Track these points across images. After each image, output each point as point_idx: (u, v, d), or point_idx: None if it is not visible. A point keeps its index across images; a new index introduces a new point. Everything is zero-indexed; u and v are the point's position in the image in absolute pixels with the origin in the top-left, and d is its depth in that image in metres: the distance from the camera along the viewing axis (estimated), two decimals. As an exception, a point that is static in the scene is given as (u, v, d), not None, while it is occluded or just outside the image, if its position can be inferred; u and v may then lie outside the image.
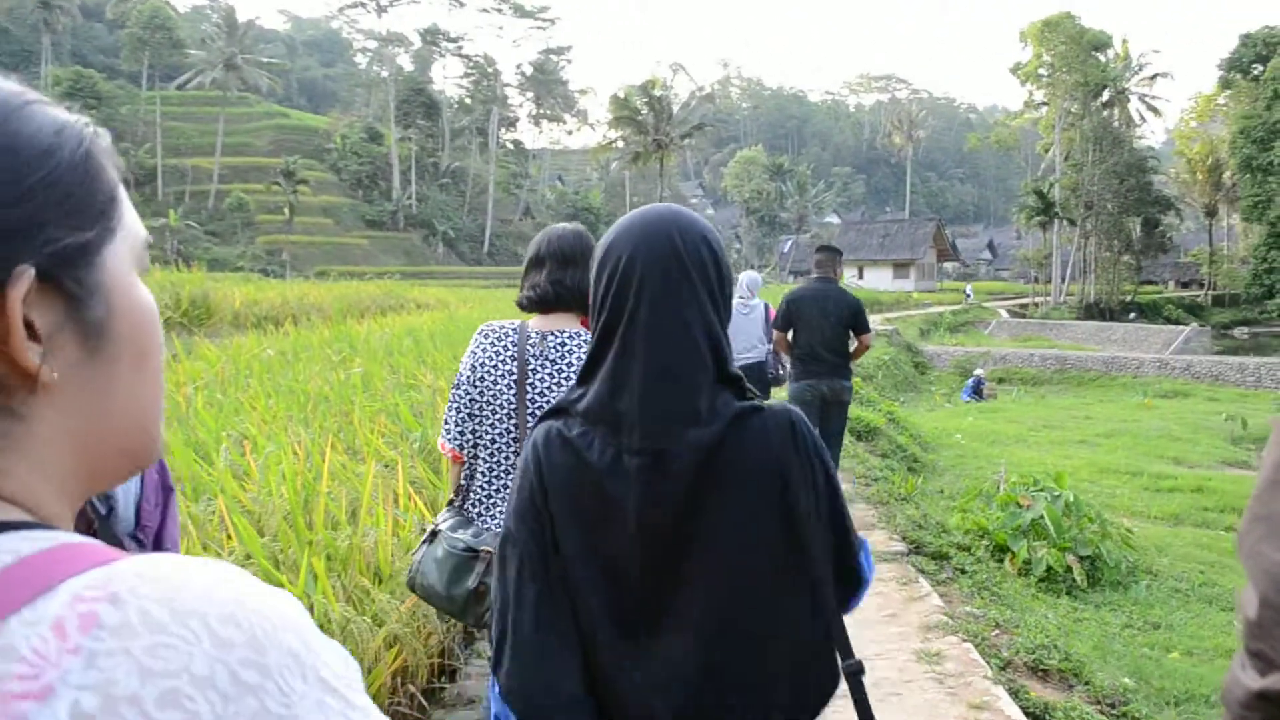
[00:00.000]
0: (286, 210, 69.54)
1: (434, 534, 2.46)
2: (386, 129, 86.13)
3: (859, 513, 6.82)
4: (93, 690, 0.47)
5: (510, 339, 2.51)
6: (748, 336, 7.44)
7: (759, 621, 1.39)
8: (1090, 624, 7.17)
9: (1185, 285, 74.38)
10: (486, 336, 2.55)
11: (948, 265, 78.06)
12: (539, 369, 2.46)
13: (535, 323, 2.56)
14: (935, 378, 27.20)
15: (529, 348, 2.48)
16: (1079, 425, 17.20)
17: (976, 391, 22.55)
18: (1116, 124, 60.03)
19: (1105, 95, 60.31)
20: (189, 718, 0.47)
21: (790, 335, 7.13)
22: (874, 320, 33.92)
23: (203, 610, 0.51)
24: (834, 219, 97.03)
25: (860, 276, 65.81)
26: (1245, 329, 52.31)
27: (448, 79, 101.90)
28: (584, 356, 1.97)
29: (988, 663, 4.22)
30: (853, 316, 7.08)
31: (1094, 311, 55.33)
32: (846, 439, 10.95)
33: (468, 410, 2.52)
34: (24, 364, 0.55)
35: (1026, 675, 4.26)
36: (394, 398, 5.17)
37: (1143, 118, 64.25)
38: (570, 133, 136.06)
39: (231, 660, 0.49)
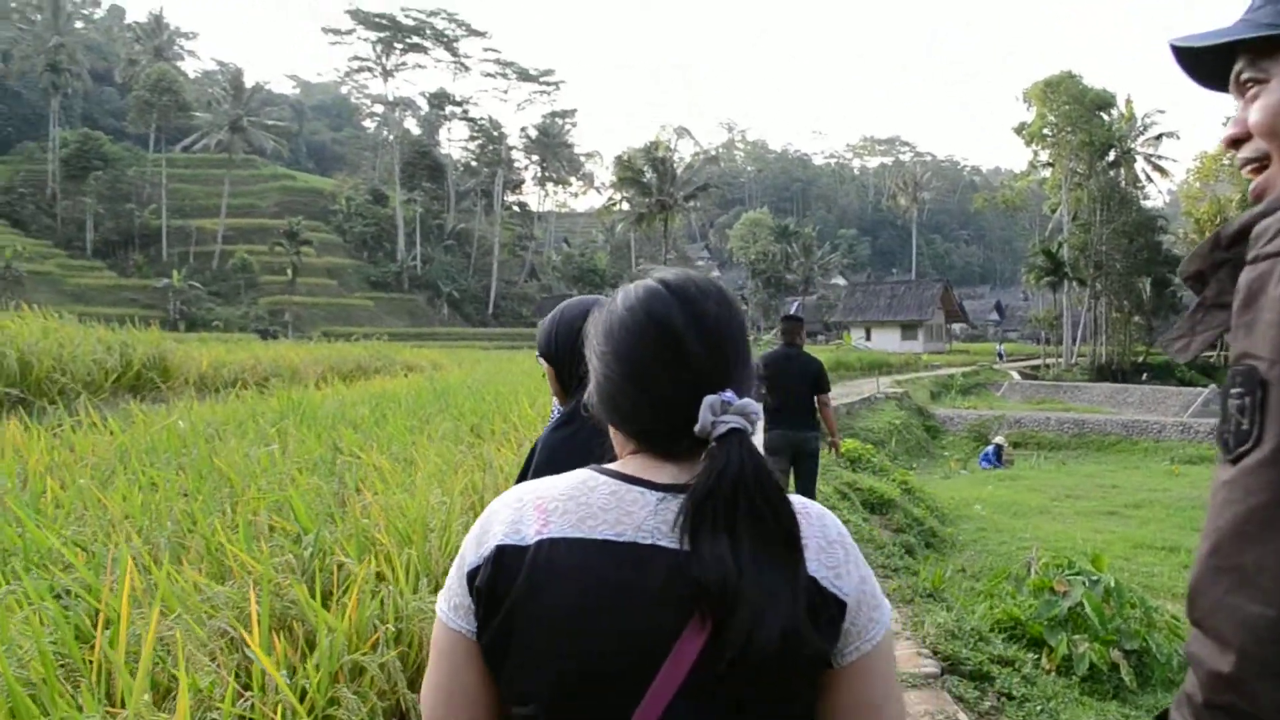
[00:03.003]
0: (289, 271, 69.18)
1: None
2: (392, 191, 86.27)
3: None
4: (820, 537, 1.21)
5: None
6: None
7: None
8: (1144, 736, 6.19)
9: (1197, 346, 73.35)
10: None
11: (955, 326, 77.25)
12: None
13: None
14: (949, 442, 26.21)
15: None
16: (1105, 495, 16.20)
17: (997, 458, 21.52)
18: (1123, 184, 59.58)
19: (1111, 155, 59.93)
20: (843, 552, 1.20)
21: (765, 392, 7.64)
22: (884, 382, 33.19)
23: (823, 513, 1.24)
24: (840, 280, 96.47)
25: (868, 338, 65.00)
26: (1260, 390, 51.27)
27: (453, 142, 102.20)
28: None
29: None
30: (815, 377, 8.15)
31: (1106, 373, 54.41)
32: (859, 515, 10.13)
33: None
34: None
35: None
36: (290, 489, 4.11)
37: (1149, 177, 63.75)
38: (576, 195, 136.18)
39: (843, 535, 1.23)
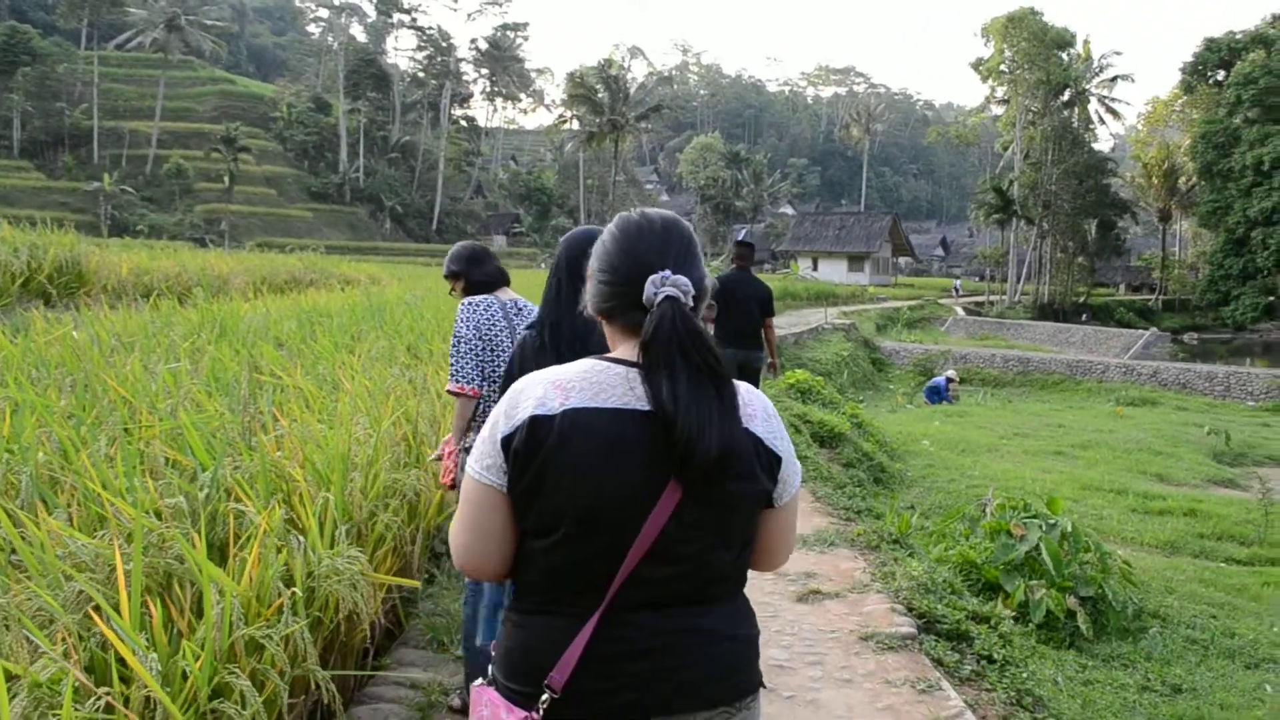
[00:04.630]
0: (226, 178, 66.95)
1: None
2: (335, 100, 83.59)
3: (844, 563, 5.43)
4: (764, 411, 1.62)
5: (496, 306, 3.66)
6: None
7: None
8: (1103, 688, 5.99)
9: (1135, 289, 74.47)
10: (478, 307, 3.64)
11: (901, 260, 77.40)
12: (517, 323, 3.62)
13: (501, 294, 3.74)
14: (895, 376, 26.13)
15: (508, 310, 3.66)
16: (1052, 434, 16.13)
17: (942, 392, 21.33)
18: (1076, 124, 59.63)
19: (1066, 94, 59.83)
20: (777, 423, 1.64)
21: (716, 313, 8.49)
22: (831, 313, 32.97)
23: (763, 395, 1.64)
24: (789, 209, 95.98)
25: (815, 268, 64.79)
26: (1194, 334, 52.18)
27: (400, 51, 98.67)
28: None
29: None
30: (764, 300, 8.59)
31: (1047, 311, 54.95)
32: (811, 450, 9.84)
33: (479, 358, 3.54)
34: None
35: None
36: (185, 416, 3.47)
37: (1101, 119, 63.85)
38: (525, 112, 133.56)
39: (775, 413, 1.66)
